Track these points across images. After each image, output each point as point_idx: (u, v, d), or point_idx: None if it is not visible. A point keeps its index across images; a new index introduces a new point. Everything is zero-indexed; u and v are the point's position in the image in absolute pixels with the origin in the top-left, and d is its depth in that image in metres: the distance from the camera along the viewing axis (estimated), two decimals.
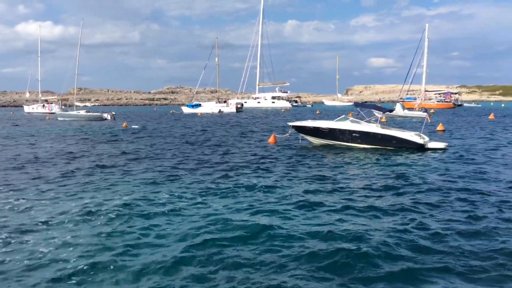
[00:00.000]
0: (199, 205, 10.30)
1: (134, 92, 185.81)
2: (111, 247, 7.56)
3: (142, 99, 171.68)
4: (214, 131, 34.13)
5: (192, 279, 6.32)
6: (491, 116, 49.60)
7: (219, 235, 8.08)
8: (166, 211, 9.76)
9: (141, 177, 13.94)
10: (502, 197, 10.92)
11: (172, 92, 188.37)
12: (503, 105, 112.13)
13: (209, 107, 77.35)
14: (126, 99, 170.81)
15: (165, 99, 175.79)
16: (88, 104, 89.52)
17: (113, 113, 57.24)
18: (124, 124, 40.86)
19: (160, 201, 10.70)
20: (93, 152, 20.74)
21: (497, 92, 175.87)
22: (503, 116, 53.18)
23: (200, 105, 79.98)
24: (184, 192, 11.70)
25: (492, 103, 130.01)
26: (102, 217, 9.33)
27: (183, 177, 13.93)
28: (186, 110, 78.60)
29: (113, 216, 9.35)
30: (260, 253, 7.26)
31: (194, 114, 68.93)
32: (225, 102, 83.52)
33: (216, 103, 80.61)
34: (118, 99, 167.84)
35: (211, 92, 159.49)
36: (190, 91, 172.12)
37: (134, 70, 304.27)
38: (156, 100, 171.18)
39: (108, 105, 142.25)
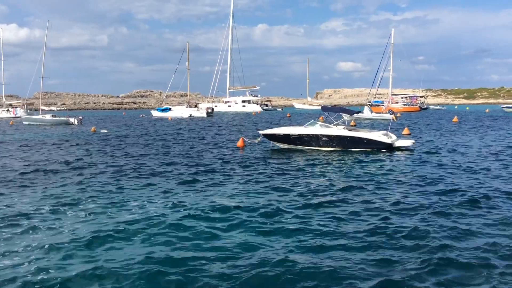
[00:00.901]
0: (147, 208, 10.25)
1: (102, 96, 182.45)
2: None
3: (110, 103, 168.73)
4: (184, 135, 33.91)
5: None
6: (455, 119, 51.09)
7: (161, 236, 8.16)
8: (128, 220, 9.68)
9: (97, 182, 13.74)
10: (464, 193, 11.30)
11: (142, 96, 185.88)
12: (467, 108, 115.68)
13: (179, 111, 76.76)
14: (94, 103, 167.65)
15: (134, 103, 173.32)
16: (54, 108, 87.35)
17: (80, 117, 56.17)
18: (93, 128, 40.12)
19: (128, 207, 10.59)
20: (54, 159, 20.30)
21: (461, 96, 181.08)
22: (466, 119, 54.94)
23: (170, 109, 79.28)
24: (146, 196, 11.61)
25: (456, 106, 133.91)
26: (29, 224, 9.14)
27: (152, 183, 13.81)
28: (156, 114, 77.75)
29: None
30: (210, 258, 7.29)
31: (164, 118, 68.28)
32: (195, 106, 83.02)
33: (187, 107, 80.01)
34: (85, 103, 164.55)
35: (181, 96, 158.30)
36: (160, 95, 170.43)
37: (103, 74, 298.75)
38: (125, 104, 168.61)
39: (75, 109, 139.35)
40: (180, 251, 7.58)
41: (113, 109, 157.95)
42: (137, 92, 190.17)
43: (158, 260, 7.13)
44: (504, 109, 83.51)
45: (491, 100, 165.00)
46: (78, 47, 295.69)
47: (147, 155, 20.99)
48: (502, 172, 15.11)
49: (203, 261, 7.09)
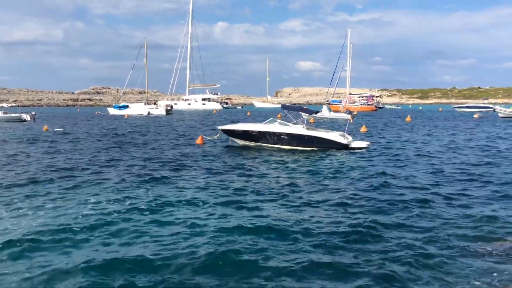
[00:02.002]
0: (106, 204, 10.10)
1: (57, 92, 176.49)
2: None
3: (65, 100, 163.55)
4: (142, 133, 33.37)
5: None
6: (408, 118, 52.81)
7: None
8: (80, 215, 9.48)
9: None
10: (415, 190, 11.75)
11: (98, 93, 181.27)
12: (420, 107, 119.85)
13: (137, 109, 75.26)
14: (48, 99, 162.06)
15: (90, 99, 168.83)
16: (5, 104, 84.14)
17: (33, 113, 54.19)
18: (45, 127, 38.78)
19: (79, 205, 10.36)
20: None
21: (415, 96, 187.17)
22: (419, 118, 56.90)
23: (127, 106, 77.60)
24: (101, 194, 11.40)
25: (410, 106, 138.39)
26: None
27: (105, 179, 13.55)
28: (112, 111, 76.02)
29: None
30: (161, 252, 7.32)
31: (121, 116, 66.89)
32: (154, 103, 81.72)
33: (145, 104, 78.62)
34: (39, 100, 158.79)
35: (140, 93, 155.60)
36: (117, 91, 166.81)
37: (57, 70, 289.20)
38: (81, 101, 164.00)
39: (28, 105, 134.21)
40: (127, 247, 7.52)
41: (67, 105, 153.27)
42: (93, 89, 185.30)
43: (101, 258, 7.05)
44: (456, 109, 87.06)
45: (443, 100, 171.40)
46: (31, 42, 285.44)
47: (99, 153, 20.55)
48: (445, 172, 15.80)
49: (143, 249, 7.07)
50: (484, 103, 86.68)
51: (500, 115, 58.54)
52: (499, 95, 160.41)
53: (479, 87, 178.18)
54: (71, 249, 7.59)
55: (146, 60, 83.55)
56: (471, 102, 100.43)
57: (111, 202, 10.76)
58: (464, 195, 11.61)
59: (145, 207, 10.20)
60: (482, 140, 27.05)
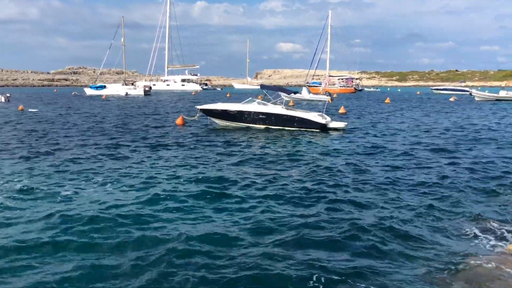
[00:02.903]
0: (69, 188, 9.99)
1: (32, 72, 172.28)
2: None
3: (40, 80, 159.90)
4: (120, 114, 32.90)
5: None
6: (387, 100, 53.29)
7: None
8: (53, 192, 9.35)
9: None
10: (391, 171, 11.92)
11: (74, 73, 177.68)
12: (399, 90, 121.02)
13: (115, 89, 74.00)
14: (23, 79, 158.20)
15: (66, 80, 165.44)
16: None
17: (8, 94, 52.75)
18: (21, 107, 37.85)
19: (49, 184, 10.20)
20: None
21: (394, 78, 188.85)
22: (398, 100, 57.51)
23: (104, 86, 76.17)
24: (75, 174, 11.25)
25: (389, 88, 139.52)
26: None
27: (80, 160, 13.37)
28: (89, 92, 74.62)
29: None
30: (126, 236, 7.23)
31: (98, 97, 65.73)
32: (132, 84, 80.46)
33: (123, 85, 77.31)
34: (13, 80, 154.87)
35: (117, 73, 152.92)
36: (94, 72, 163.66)
37: (32, 49, 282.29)
38: (57, 81, 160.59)
39: (2, 86, 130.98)
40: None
41: (43, 86, 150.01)
42: (69, 69, 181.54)
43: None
44: (433, 91, 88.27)
45: (421, 83, 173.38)
46: (5, 20, 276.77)
47: (76, 134, 20.23)
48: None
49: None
50: (461, 86, 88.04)
51: (476, 98, 59.54)
52: (476, 78, 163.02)
53: (456, 70, 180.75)
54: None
55: (123, 39, 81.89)
56: (448, 84, 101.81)
57: (91, 183, 10.64)
58: (432, 170, 11.85)
59: (123, 189, 10.09)
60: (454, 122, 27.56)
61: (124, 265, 6.00)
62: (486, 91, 67.29)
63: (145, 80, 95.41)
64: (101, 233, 7.17)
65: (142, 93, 72.46)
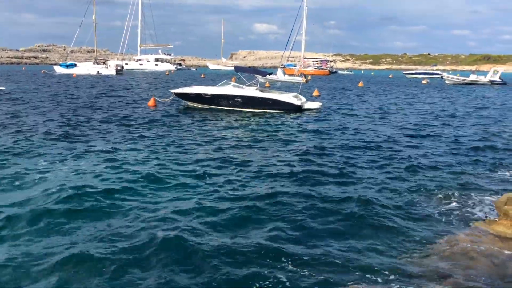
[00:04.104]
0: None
1: (0, 49, 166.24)
2: None
3: (9, 57, 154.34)
4: (90, 93, 32.13)
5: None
6: (360, 84, 53.77)
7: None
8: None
9: None
10: (361, 150, 12.07)
11: (44, 50, 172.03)
12: (372, 73, 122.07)
13: (86, 68, 72.23)
14: None
15: (35, 57, 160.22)
16: None
17: None
18: None
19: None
20: None
21: (368, 61, 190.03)
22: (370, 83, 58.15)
23: (75, 65, 74.31)
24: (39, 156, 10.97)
25: (362, 71, 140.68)
26: None
27: (45, 141, 13.02)
28: (59, 70, 72.67)
29: None
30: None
31: (69, 75, 64.07)
32: (104, 63, 78.68)
33: (94, 63, 75.56)
34: None
35: (88, 51, 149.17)
36: (64, 50, 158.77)
37: (0, 25, 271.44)
38: (26, 59, 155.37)
39: None
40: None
41: (12, 63, 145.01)
42: (38, 46, 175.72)
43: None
44: (406, 75, 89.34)
45: (394, 66, 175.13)
46: None
47: (43, 112, 19.67)
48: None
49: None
50: (432, 70, 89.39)
51: (447, 82, 60.84)
52: (447, 62, 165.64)
53: (428, 54, 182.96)
54: None
55: (94, 17, 79.86)
56: (421, 68, 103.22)
57: (57, 164, 10.38)
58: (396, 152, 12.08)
59: (92, 171, 9.90)
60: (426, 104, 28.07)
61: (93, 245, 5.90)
62: (458, 75, 68.62)
63: (117, 59, 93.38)
64: (65, 214, 7.07)
65: (114, 72, 71.00)
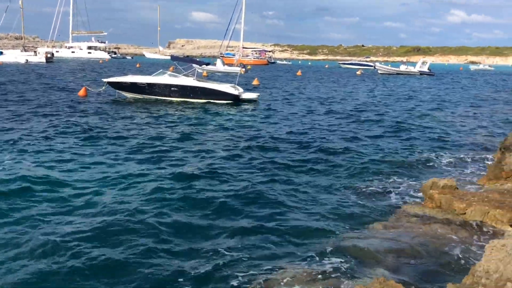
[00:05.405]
0: None
1: None
2: None
3: None
4: (18, 82, 30.25)
5: None
6: (299, 73, 54.64)
7: None
8: None
9: None
10: (294, 139, 12.25)
11: None
12: (309, 63, 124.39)
13: (13, 56, 68.00)
14: None
15: None
16: None
17: None
18: None
19: None
20: None
21: (305, 52, 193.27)
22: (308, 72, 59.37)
23: (1, 52, 69.98)
24: None
25: (300, 61, 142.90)
26: None
27: None
28: None
29: None
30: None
31: None
32: (33, 51, 74.45)
33: (22, 51, 71.35)
34: None
35: (16, 38, 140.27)
36: None
37: None
38: None
39: None
40: None
41: None
42: None
43: None
44: (341, 65, 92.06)
45: (331, 57, 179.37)
46: None
47: None
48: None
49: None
50: (366, 61, 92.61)
51: (380, 72, 63.33)
52: (380, 53, 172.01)
53: (362, 45, 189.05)
54: None
55: (21, 1, 75.37)
56: (355, 59, 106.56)
57: None
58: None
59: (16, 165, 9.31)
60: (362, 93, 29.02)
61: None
62: (389, 65, 71.58)
63: (47, 47, 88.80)
64: None
65: (44, 60, 67.48)
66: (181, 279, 5.08)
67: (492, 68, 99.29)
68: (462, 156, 11.50)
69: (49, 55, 70.51)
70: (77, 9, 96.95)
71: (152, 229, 6.28)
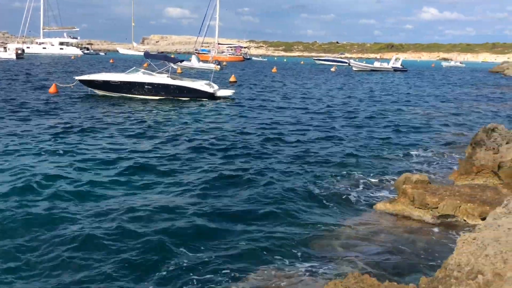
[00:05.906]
0: None
1: None
2: None
3: None
4: None
5: None
6: (274, 69, 54.73)
7: None
8: None
9: None
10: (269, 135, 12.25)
11: None
12: (285, 60, 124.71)
13: None
14: None
15: None
16: None
17: None
18: None
19: None
20: None
21: (280, 48, 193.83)
22: (283, 69, 59.49)
23: None
24: None
25: (276, 58, 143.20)
26: None
27: None
28: None
29: None
30: None
31: None
32: (4, 47, 72.42)
33: None
34: None
35: None
36: None
37: None
38: None
39: None
40: None
41: None
42: None
43: None
44: (316, 61, 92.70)
45: (306, 53, 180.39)
46: None
47: None
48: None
49: None
50: (340, 58, 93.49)
51: (354, 68, 64.01)
52: (354, 50, 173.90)
53: (337, 42, 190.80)
54: None
55: None
56: (330, 56, 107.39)
57: None
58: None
59: None
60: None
61: None
62: (364, 62, 72.48)
63: (18, 43, 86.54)
64: None
65: (14, 56, 65.81)
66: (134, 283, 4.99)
67: (463, 65, 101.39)
68: (434, 151, 11.70)
69: (19, 51, 68.78)
70: (48, 4, 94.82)
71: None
